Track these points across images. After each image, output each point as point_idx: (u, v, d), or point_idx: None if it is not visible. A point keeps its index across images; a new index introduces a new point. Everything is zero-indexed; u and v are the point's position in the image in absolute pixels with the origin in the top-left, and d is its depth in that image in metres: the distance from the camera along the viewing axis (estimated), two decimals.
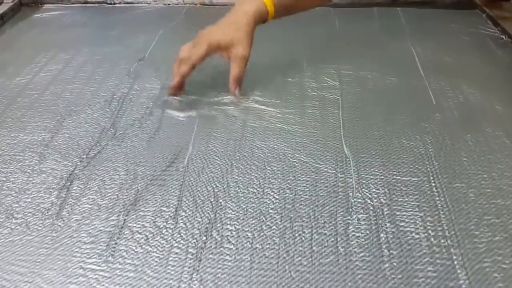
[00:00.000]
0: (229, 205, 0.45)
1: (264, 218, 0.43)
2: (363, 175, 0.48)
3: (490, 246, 0.40)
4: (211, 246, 0.40)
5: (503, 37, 0.77)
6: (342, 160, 0.50)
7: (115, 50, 0.75)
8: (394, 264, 0.39)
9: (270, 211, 0.44)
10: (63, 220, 0.43)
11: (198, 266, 0.38)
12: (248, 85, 0.61)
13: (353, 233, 0.41)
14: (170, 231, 0.42)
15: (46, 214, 0.43)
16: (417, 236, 0.41)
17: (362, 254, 0.39)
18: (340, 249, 0.40)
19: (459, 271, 0.38)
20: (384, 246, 0.40)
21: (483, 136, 0.53)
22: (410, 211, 0.43)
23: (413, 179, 0.47)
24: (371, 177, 0.48)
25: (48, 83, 0.66)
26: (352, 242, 0.40)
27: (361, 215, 0.43)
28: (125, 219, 0.43)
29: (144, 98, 0.62)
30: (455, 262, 0.38)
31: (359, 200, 0.45)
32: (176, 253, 0.40)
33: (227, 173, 0.48)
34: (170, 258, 0.39)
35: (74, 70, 0.69)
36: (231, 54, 0.56)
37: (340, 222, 0.42)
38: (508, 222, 0.42)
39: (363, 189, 0.46)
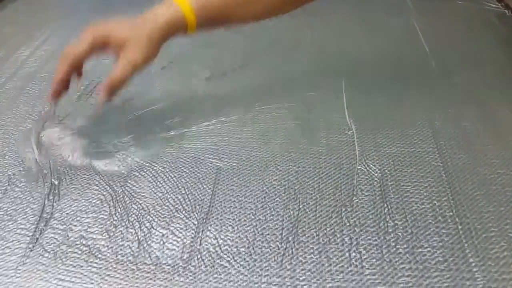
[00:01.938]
0: (232, 178, 0.44)
1: (267, 190, 0.43)
2: (366, 146, 0.47)
3: (496, 216, 0.39)
4: (213, 217, 0.40)
5: (506, 12, 0.75)
6: (345, 132, 0.49)
7: None
8: (399, 234, 0.38)
9: (274, 183, 0.43)
10: None
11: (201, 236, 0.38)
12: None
13: (358, 204, 0.41)
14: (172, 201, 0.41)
15: None
16: (422, 207, 0.40)
17: (366, 224, 0.39)
18: (345, 220, 0.39)
19: (464, 240, 0.37)
20: (388, 217, 0.40)
21: (488, 107, 0.52)
22: (415, 181, 0.43)
23: (418, 150, 0.47)
24: (375, 148, 0.47)
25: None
26: (357, 213, 0.40)
27: (365, 186, 0.43)
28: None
29: None
30: (461, 232, 0.38)
31: (364, 171, 0.44)
32: (178, 223, 0.39)
33: (229, 144, 0.48)
34: (172, 227, 0.39)
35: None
36: (121, 55, 0.43)
37: (344, 193, 0.42)
38: None
39: (367, 161, 0.45)
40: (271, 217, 0.40)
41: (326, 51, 0.65)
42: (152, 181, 0.44)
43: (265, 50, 0.66)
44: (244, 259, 0.36)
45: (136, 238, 0.38)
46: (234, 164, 0.46)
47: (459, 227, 0.38)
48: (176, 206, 0.41)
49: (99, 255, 0.37)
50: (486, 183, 0.42)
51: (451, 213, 0.40)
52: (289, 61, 0.63)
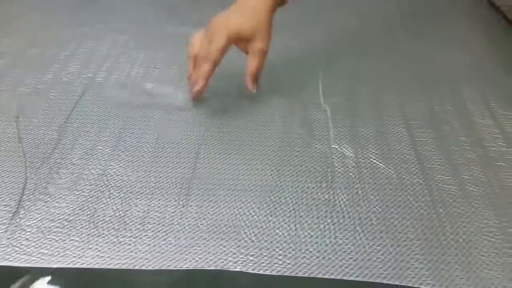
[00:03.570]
0: (211, 156, 0.45)
1: (245, 167, 0.44)
2: (340, 128, 0.49)
3: (459, 181, 0.42)
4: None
5: None
6: (320, 114, 0.51)
7: None
8: (371, 198, 0.41)
9: (252, 161, 0.45)
10: None
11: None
12: None
13: (332, 180, 0.43)
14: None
15: None
16: (392, 181, 0.42)
17: (344, 197, 0.41)
18: (320, 195, 0.41)
19: (430, 202, 0.40)
20: (360, 191, 0.42)
21: (457, 87, 0.55)
22: (387, 159, 0.45)
23: (389, 129, 0.48)
24: (349, 129, 0.49)
25: None
26: (332, 189, 0.42)
27: (339, 164, 0.44)
28: None
29: None
30: (429, 199, 0.40)
31: (338, 149, 0.46)
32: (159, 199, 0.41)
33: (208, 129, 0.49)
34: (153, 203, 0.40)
35: None
36: (249, 47, 0.49)
37: (320, 172, 0.44)
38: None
39: (341, 141, 0.47)
40: (250, 192, 0.41)
41: (302, 36, 0.66)
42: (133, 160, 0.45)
43: None
44: (223, 231, 0.38)
45: (118, 213, 0.39)
46: (215, 143, 0.47)
47: (427, 193, 0.41)
48: (157, 183, 0.42)
49: (81, 229, 0.38)
50: (452, 158, 0.45)
51: (419, 181, 0.42)
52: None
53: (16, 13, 0.72)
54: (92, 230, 0.38)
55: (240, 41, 0.49)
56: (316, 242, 0.37)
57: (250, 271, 0.35)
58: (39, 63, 0.59)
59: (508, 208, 0.40)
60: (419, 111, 0.51)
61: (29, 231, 0.38)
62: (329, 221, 0.39)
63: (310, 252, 0.36)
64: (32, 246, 0.37)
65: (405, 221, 0.39)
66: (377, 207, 0.40)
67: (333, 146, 0.46)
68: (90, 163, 0.44)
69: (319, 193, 0.41)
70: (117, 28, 0.68)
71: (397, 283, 0.34)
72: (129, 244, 0.37)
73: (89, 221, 0.39)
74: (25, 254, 0.36)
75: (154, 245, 0.37)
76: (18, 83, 0.56)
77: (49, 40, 0.65)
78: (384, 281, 0.34)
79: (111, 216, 0.39)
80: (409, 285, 0.34)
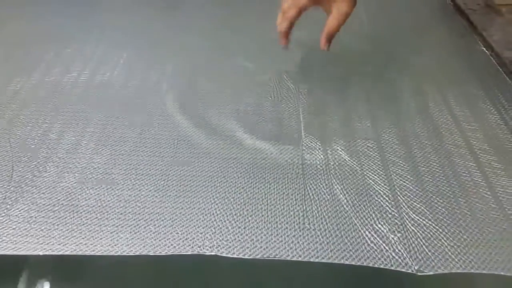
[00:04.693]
0: (189, 150, 0.48)
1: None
2: (311, 124, 0.52)
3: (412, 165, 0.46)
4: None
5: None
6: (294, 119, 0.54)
7: None
8: (340, 197, 0.44)
9: (233, 155, 0.48)
10: None
11: None
12: None
13: (305, 168, 0.46)
14: None
15: None
16: (355, 168, 0.46)
17: (315, 185, 0.44)
18: (301, 178, 0.45)
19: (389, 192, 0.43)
20: (331, 173, 0.45)
21: (420, 86, 0.59)
22: (352, 152, 0.48)
23: (356, 125, 0.52)
24: (319, 124, 0.52)
25: None
26: (306, 180, 0.45)
27: (310, 156, 0.48)
28: None
29: None
30: (388, 191, 0.44)
31: (308, 143, 0.49)
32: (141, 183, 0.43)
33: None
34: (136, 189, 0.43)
35: None
36: (334, 7, 0.53)
37: (292, 157, 0.47)
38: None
39: (311, 131, 0.51)
40: (226, 182, 0.45)
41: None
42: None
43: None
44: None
45: (100, 203, 0.42)
46: (193, 135, 0.50)
47: (388, 188, 0.44)
48: (138, 175, 0.45)
49: (65, 219, 0.41)
50: (413, 152, 0.48)
51: (383, 173, 0.46)
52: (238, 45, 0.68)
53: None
54: (76, 220, 0.41)
55: (324, 1, 0.53)
56: (286, 228, 0.40)
57: (224, 255, 0.38)
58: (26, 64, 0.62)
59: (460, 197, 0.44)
60: (382, 108, 0.55)
61: (16, 221, 0.40)
62: (298, 208, 0.42)
63: (281, 236, 0.39)
64: (19, 235, 0.39)
65: (368, 209, 0.42)
66: (342, 195, 0.43)
67: (304, 137, 0.50)
68: (75, 157, 0.47)
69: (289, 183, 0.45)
70: (102, 28, 0.70)
71: (359, 264, 0.38)
72: (112, 232, 0.40)
73: (73, 211, 0.41)
74: (12, 242, 0.39)
75: (135, 233, 0.40)
76: (6, 82, 0.58)
77: (35, 42, 0.67)
78: (347, 262, 0.38)
79: (93, 206, 0.42)
80: (370, 265, 0.38)
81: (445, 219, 0.41)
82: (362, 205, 0.42)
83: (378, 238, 0.39)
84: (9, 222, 0.40)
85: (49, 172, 0.45)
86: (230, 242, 0.39)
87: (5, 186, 0.43)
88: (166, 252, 0.38)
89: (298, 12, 0.53)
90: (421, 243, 0.39)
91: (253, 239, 0.39)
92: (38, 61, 0.62)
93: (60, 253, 0.38)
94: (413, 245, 0.39)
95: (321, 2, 0.53)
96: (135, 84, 0.58)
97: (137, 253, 0.38)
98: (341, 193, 0.43)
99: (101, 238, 0.39)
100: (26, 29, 0.70)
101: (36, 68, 0.60)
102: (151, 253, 0.38)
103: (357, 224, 0.41)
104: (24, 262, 0.38)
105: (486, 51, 0.65)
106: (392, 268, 0.37)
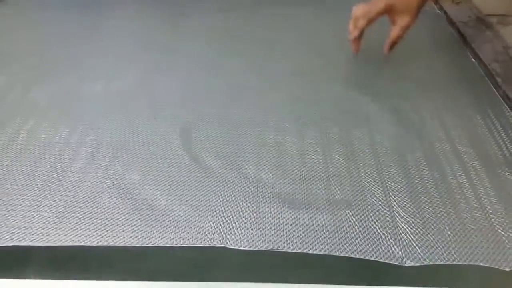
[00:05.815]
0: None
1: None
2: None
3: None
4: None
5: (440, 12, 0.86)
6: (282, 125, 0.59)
7: None
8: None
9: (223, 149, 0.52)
10: None
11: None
12: None
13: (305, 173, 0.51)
14: None
15: None
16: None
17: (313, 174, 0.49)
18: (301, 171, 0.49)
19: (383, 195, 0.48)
20: (328, 160, 0.50)
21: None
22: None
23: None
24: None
25: None
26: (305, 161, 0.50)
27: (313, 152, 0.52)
28: None
29: None
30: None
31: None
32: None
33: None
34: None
35: None
36: (398, 19, 0.63)
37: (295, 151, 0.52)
38: None
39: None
40: (230, 183, 0.49)
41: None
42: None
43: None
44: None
45: (120, 200, 0.47)
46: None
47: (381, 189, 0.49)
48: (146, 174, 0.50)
49: (90, 214, 0.45)
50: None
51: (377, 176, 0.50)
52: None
53: None
54: (100, 215, 0.45)
55: (393, 11, 0.62)
56: (287, 223, 0.45)
57: (232, 247, 0.43)
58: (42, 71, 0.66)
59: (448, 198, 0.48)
60: (380, 116, 0.59)
61: (45, 216, 0.45)
62: (298, 207, 0.46)
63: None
64: (49, 228, 0.44)
65: (362, 208, 0.47)
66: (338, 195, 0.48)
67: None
68: (95, 160, 0.52)
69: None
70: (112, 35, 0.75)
71: (353, 256, 0.42)
72: (132, 226, 0.44)
73: (96, 207, 0.46)
74: (43, 235, 0.43)
75: (154, 226, 0.44)
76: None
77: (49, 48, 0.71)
78: (342, 254, 0.42)
79: (115, 203, 0.46)
80: (363, 257, 0.42)
81: (431, 217, 0.46)
82: (357, 204, 0.47)
83: (370, 234, 0.44)
84: (39, 217, 0.45)
85: (73, 172, 0.50)
86: (237, 236, 0.43)
87: (33, 185, 0.48)
88: (181, 244, 0.43)
89: (368, 22, 0.62)
90: (410, 238, 0.44)
91: (257, 233, 0.44)
92: (53, 69, 0.68)
93: (87, 244, 0.42)
94: (402, 240, 0.43)
95: (388, 13, 0.63)
96: (146, 91, 0.63)
97: (155, 245, 0.42)
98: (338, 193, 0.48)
99: (123, 231, 0.44)
100: (40, 36, 0.75)
101: (53, 76, 0.66)
102: (167, 245, 0.43)
103: (352, 221, 0.45)
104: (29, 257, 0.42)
105: (475, 61, 0.69)
106: (382, 260, 0.42)
